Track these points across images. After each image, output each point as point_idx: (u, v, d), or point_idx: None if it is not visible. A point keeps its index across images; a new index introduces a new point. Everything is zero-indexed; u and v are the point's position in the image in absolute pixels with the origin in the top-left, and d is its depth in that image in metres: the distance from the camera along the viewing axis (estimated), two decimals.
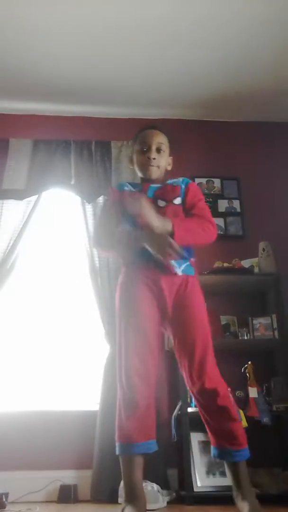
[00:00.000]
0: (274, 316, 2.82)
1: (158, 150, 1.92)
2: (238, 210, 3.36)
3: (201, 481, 2.46)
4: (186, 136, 3.37)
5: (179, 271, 1.77)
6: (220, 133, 3.57)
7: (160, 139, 1.93)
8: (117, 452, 1.69)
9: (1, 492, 2.32)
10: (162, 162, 1.93)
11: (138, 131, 2.00)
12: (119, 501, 2.37)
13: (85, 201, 3.17)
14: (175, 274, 1.77)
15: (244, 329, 2.88)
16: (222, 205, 3.35)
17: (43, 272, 3.21)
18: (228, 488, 1.74)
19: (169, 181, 1.94)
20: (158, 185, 1.92)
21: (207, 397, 1.68)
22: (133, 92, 3.33)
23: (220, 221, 3.25)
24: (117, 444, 1.69)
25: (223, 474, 2.44)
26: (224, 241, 3.05)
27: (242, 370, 2.70)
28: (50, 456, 2.70)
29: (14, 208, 3.15)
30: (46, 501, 2.57)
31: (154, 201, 1.86)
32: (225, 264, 2.91)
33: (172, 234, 1.68)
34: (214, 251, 2.84)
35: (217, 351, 1.78)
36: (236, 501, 1.67)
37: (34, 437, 2.73)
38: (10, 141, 3.29)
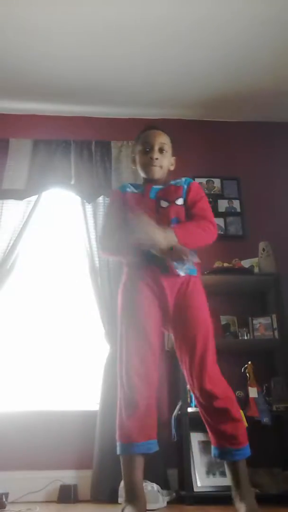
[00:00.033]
0: (274, 316, 2.82)
1: (161, 150, 1.92)
2: (238, 210, 3.36)
3: (201, 481, 2.46)
4: (186, 136, 3.37)
5: (181, 272, 1.77)
6: (220, 133, 3.57)
7: (162, 139, 1.93)
8: (117, 452, 1.69)
9: (1, 492, 2.32)
10: (164, 162, 1.93)
11: (141, 131, 2.00)
12: (119, 501, 2.37)
13: (85, 201, 3.17)
14: (178, 275, 1.77)
15: (244, 329, 2.88)
16: (222, 205, 3.35)
17: (43, 272, 3.21)
18: (228, 488, 1.74)
19: (172, 182, 1.93)
20: (161, 186, 1.92)
21: (207, 397, 1.68)
22: (133, 92, 3.33)
23: (220, 221, 3.25)
24: (117, 444, 1.69)
25: (223, 474, 2.44)
26: (224, 241, 3.05)
27: (242, 370, 2.70)
28: (50, 456, 2.70)
29: (14, 208, 3.15)
30: (46, 501, 2.57)
31: (156, 202, 1.86)
32: (225, 264, 2.91)
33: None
34: (214, 251, 2.84)
35: (217, 351, 1.77)
36: (234, 501, 1.67)
37: (34, 437, 2.73)
38: (10, 141, 3.29)
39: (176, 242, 1.69)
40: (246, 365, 2.71)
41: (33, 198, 3.16)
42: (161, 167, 1.92)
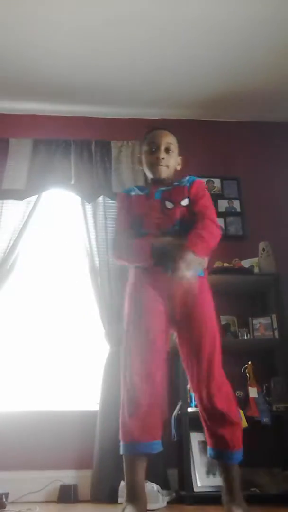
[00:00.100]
0: (274, 316, 2.82)
1: (167, 150, 1.92)
2: (238, 210, 3.36)
3: (201, 481, 2.46)
4: (186, 136, 3.33)
5: (189, 274, 1.76)
6: (220, 133, 3.57)
7: (169, 139, 1.93)
8: (121, 452, 1.69)
9: (1, 492, 2.32)
10: (171, 161, 1.93)
11: (146, 132, 2.00)
12: (119, 501, 2.37)
13: (85, 201, 3.17)
14: (185, 277, 1.77)
15: (244, 329, 2.88)
16: (222, 205, 3.35)
17: (43, 272, 3.21)
18: None
19: (176, 182, 1.93)
20: (166, 187, 1.91)
21: (211, 402, 1.68)
22: (133, 92, 3.33)
23: (220, 221, 3.24)
24: (121, 444, 1.69)
25: None
26: (224, 241, 2.99)
27: (242, 370, 2.70)
28: (50, 456, 2.70)
29: (14, 208, 3.15)
30: (46, 501, 2.57)
31: (162, 202, 1.86)
32: (225, 264, 2.91)
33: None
34: (214, 251, 2.82)
35: None
36: (225, 504, 1.68)
37: (34, 437, 2.73)
38: (10, 141, 3.29)
39: (200, 263, 1.70)
40: (246, 365, 2.71)
41: (33, 198, 3.16)
42: (167, 166, 1.92)
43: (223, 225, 3.27)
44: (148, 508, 1.66)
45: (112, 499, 2.46)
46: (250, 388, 2.62)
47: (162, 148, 1.91)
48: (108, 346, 2.87)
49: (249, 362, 2.71)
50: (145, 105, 3.44)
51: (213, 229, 1.80)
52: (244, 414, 2.46)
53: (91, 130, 3.42)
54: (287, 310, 2.80)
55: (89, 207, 3.18)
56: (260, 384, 2.68)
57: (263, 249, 2.97)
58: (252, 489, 2.37)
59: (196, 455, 2.54)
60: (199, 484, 2.44)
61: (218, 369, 1.72)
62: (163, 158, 1.90)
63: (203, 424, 1.76)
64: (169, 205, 1.86)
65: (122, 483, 2.36)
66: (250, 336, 2.86)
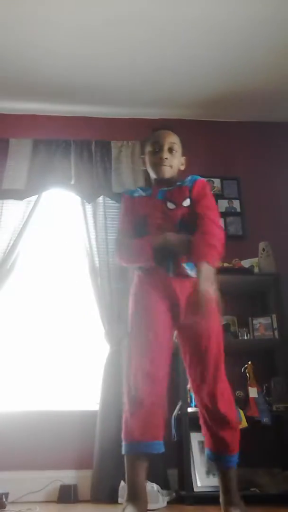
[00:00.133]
0: (274, 316, 2.82)
1: (170, 150, 1.91)
2: (238, 210, 3.36)
3: (201, 481, 2.46)
4: (186, 136, 3.34)
5: (192, 273, 1.76)
6: (220, 133, 3.57)
7: (172, 139, 1.92)
8: (122, 452, 1.68)
9: (1, 492, 2.32)
10: (174, 161, 1.92)
11: (150, 132, 1.99)
12: (119, 501, 2.37)
13: (85, 201, 3.17)
14: (187, 276, 1.76)
15: (244, 329, 2.88)
16: (222, 205, 3.34)
17: (43, 272, 3.21)
18: None
19: (179, 183, 1.92)
20: (168, 187, 1.90)
21: (214, 404, 1.69)
22: (133, 92, 3.33)
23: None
24: (123, 444, 1.69)
25: None
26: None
27: (242, 370, 2.70)
28: (50, 456, 2.70)
29: (14, 208, 3.15)
30: (46, 501, 2.57)
31: (164, 203, 1.86)
32: (225, 264, 2.91)
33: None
34: None
35: None
36: (223, 504, 1.68)
37: (34, 437, 2.73)
38: (10, 141, 3.29)
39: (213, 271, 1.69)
40: (246, 365, 2.71)
41: (33, 198, 3.16)
42: (171, 166, 1.91)
43: (223, 225, 3.26)
44: (148, 508, 1.66)
45: (112, 499, 2.46)
46: (250, 388, 2.62)
47: (166, 148, 1.90)
48: (108, 346, 2.87)
49: (249, 362, 2.71)
50: (145, 105, 3.44)
51: (218, 232, 1.77)
52: (244, 414, 2.46)
53: (91, 130, 3.42)
54: (287, 310, 2.80)
55: (89, 207, 3.18)
56: (260, 384, 2.68)
57: (263, 249, 2.97)
58: (252, 489, 2.37)
59: (196, 455, 2.54)
60: (199, 484, 2.44)
61: (223, 373, 1.73)
62: (166, 158, 1.89)
63: (203, 424, 1.76)
64: (170, 205, 1.85)
65: (122, 483, 2.37)
66: (250, 336, 2.86)
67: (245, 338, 2.85)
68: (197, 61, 3.06)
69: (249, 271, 2.90)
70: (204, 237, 1.73)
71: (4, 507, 2.25)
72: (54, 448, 2.72)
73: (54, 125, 3.42)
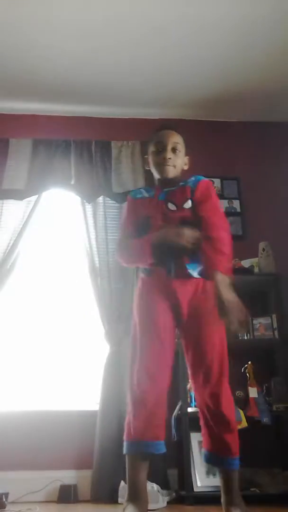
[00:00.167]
0: (274, 316, 2.82)
1: (174, 150, 1.91)
2: (238, 210, 3.36)
3: (201, 481, 2.46)
4: (186, 136, 3.35)
5: (194, 274, 1.76)
6: (220, 133, 3.57)
7: (175, 139, 1.92)
8: (124, 451, 1.69)
9: (1, 492, 2.33)
10: (178, 161, 1.92)
11: (153, 133, 1.99)
12: (119, 501, 2.37)
13: (85, 201, 3.17)
14: (190, 277, 1.76)
15: None
16: (222, 205, 3.34)
17: (43, 272, 3.21)
18: None
19: (181, 183, 1.91)
20: (171, 187, 1.90)
21: (217, 406, 1.69)
22: (133, 92, 3.33)
23: None
24: (124, 443, 1.69)
25: None
26: None
27: (242, 370, 2.70)
28: (50, 456, 2.70)
29: (14, 208, 3.15)
30: (46, 501, 2.57)
31: (165, 204, 1.85)
32: None
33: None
34: None
35: None
36: (224, 504, 1.68)
37: (34, 437, 2.73)
38: (10, 141, 3.29)
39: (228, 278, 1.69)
40: (246, 365, 2.71)
41: (33, 198, 3.16)
42: (174, 166, 1.90)
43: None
44: (148, 508, 1.66)
45: (112, 499, 2.46)
46: (250, 388, 2.62)
47: (169, 148, 1.90)
48: (108, 346, 2.87)
49: (249, 362, 2.71)
50: (145, 105, 3.44)
51: (225, 237, 1.75)
52: (244, 414, 2.46)
53: (91, 130, 3.42)
54: (287, 310, 2.80)
55: (89, 207, 3.18)
56: (260, 384, 2.69)
57: (263, 249, 2.97)
58: (252, 489, 2.38)
59: (196, 455, 2.54)
60: (199, 484, 2.45)
61: (227, 375, 1.73)
62: (170, 158, 1.89)
63: (203, 425, 1.76)
64: (171, 206, 1.85)
65: (122, 483, 2.37)
66: (250, 336, 2.86)
67: (245, 338, 2.85)
68: (197, 61, 3.06)
69: (249, 271, 2.90)
70: (212, 244, 1.71)
71: (4, 507, 2.25)
72: (54, 448, 2.72)
73: (54, 125, 3.42)
